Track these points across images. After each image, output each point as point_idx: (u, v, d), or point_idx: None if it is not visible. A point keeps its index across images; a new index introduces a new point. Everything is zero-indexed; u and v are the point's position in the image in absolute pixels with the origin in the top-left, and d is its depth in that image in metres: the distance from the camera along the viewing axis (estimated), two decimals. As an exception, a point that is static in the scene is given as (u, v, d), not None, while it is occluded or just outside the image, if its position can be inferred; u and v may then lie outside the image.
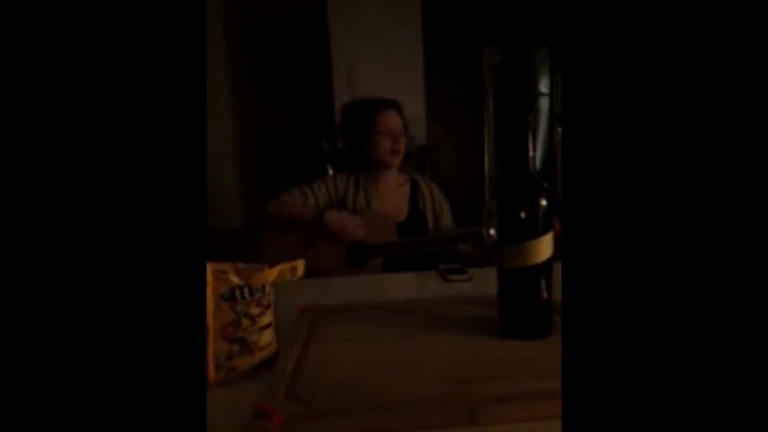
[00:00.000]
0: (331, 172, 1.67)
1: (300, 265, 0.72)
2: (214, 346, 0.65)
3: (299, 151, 5.27)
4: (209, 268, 0.64)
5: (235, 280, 0.66)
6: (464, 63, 4.23)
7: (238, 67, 4.37)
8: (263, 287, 0.69)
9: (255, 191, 4.61)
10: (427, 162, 2.89)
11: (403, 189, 1.46)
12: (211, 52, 3.90)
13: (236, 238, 3.88)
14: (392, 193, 1.44)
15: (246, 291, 0.67)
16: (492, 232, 0.76)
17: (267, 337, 0.71)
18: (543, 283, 0.75)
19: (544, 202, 0.74)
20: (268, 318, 0.71)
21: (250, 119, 4.67)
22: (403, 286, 1.15)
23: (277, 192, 1.44)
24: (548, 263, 0.74)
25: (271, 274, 0.69)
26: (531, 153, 0.76)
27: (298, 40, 5.29)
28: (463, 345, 0.74)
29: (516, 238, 0.74)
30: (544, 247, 0.74)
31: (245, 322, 0.67)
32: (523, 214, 0.74)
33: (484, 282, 1.05)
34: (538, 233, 0.74)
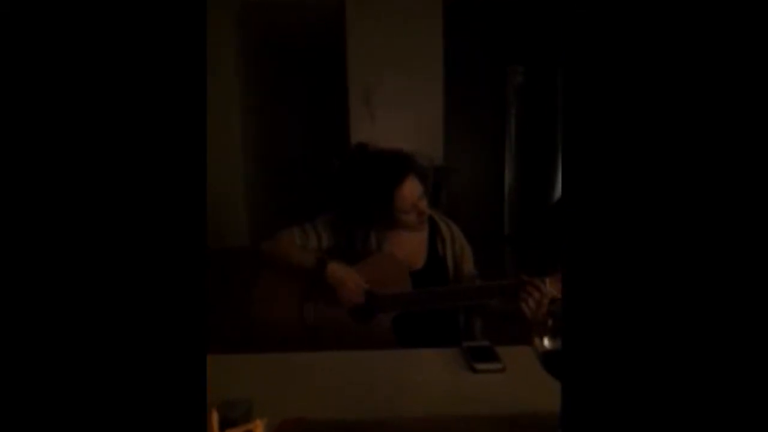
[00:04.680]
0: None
1: (259, 428, 0.56)
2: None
3: (310, 169, 5.14)
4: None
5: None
6: (486, 81, 4.09)
7: (251, 84, 4.28)
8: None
9: (263, 209, 4.49)
10: (444, 183, 2.71)
11: (421, 232, 1.26)
12: (224, 67, 3.81)
13: (243, 257, 3.74)
14: (408, 236, 1.24)
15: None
16: (546, 342, 0.57)
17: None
18: None
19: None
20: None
21: (260, 135, 4.57)
22: (418, 373, 0.88)
23: (281, 203, 1.26)
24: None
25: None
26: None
27: (315, 57, 5.20)
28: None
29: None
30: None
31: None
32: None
33: (519, 372, 0.84)
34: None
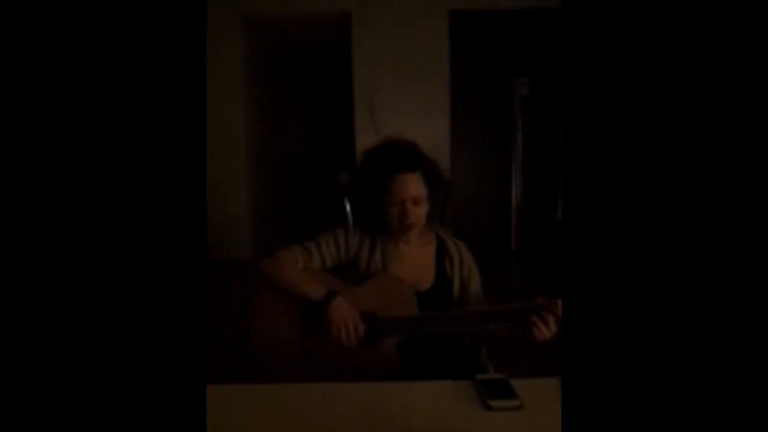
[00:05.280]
0: (348, 206, 1.41)
1: None
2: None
3: (315, 181, 5.09)
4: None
5: None
6: (492, 93, 4.04)
7: (256, 96, 4.25)
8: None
9: (267, 220, 4.44)
10: (449, 198, 2.64)
11: (428, 251, 1.20)
12: (229, 79, 3.79)
13: (246, 269, 3.69)
14: (415, 256, 1.18)
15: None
16: None
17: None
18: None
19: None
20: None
21: (266, 146, 4.54)
22: (425, 411, 0.81)
23: (285, 217, 1.19)
24: None
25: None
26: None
27: (320, 68, 5.18)
28: None
29: None
30: None
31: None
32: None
33: (538, 410, 0.77)
34: None
